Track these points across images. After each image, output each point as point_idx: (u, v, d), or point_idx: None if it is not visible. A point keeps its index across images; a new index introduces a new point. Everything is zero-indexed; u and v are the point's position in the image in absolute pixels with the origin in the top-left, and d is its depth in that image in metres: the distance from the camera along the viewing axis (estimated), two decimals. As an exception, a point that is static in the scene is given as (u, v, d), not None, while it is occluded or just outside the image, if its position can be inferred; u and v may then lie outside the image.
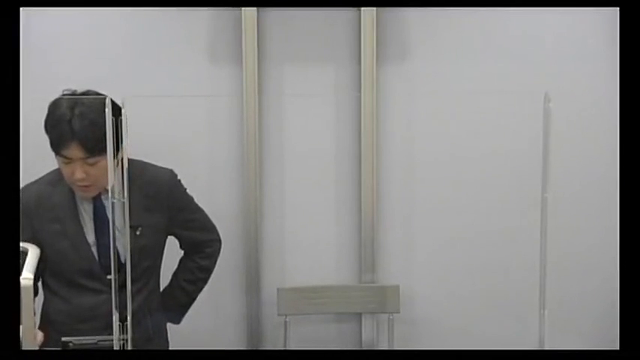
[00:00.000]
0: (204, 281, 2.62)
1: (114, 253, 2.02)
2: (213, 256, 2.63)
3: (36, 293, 2.30)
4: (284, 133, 3.07)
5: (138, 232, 2.32)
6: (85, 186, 2.27)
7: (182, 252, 2.61)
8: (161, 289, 2.56)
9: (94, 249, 2.34)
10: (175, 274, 2.59)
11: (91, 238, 2.34)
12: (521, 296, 2.75)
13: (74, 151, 2.20)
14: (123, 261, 2.22)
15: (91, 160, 2.21)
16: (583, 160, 3.09)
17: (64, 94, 2.28)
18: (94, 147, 2.17)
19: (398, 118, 3.08)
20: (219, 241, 2.64)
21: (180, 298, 2.58)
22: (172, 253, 2.57)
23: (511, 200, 3.07)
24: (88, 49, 2.94)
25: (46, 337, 2.15)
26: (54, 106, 2.25)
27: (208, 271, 2.62)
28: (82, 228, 2.34)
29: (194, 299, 2.62)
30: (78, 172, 2.23)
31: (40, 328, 2.28)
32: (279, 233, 3.11)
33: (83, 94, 2.28)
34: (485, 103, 3.02)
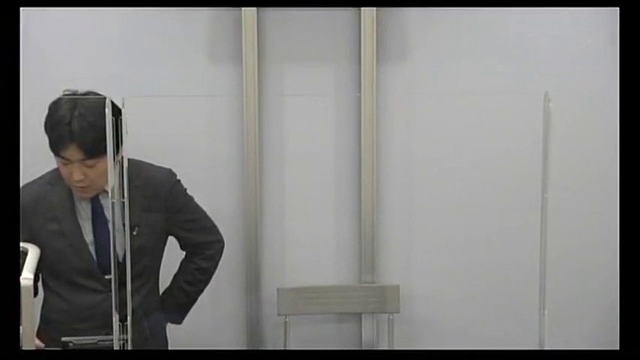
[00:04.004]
0: (205, 283, 2.61)
1: (114, 252, 2.03)
2: (214, 258, 2.61)
3: (36, 293, 2.31)
4: (284, 133, 3.06)
5: (135, 232, 2.31)
6: (83, 187, 2.27)
7: (183, 253, 2.61)
8: (161, 290, 2.56)
9: (91, 248, 2.34)
10: (176, 276, 2.59)
11: (88, 237, 2.34)
12: (521, 296, 2.75)
13: (73, 152, 2.20)
14: (120, 260, 2.22)
15: (89, 162, 2.21)
16: (583, 160, 3.09)
17: (64, 94, 2.28)
18: (93, 149, 2.18)
19: (398, 118, 3.08)
20: (221, 242, 2.63)
21: (180, 299, 2.58)
22: (175, 254, 2.57)
23: (511, 200, 3.07)
24: (88, 49, 2.94)
25: (45, 337, 2.15)
26: (54, 107, 2.25)
27: (208, 272, 2.61)
28: (79, 227, 2.34)
29: (195, 300, 2.61)
30: (76, 174, 2.23)
31: (39, 327, 2.30)
32: (279, 233, 3.10)
33: (84, 94, 2.28)
34: (486, 103, 3.02)
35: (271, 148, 3.06)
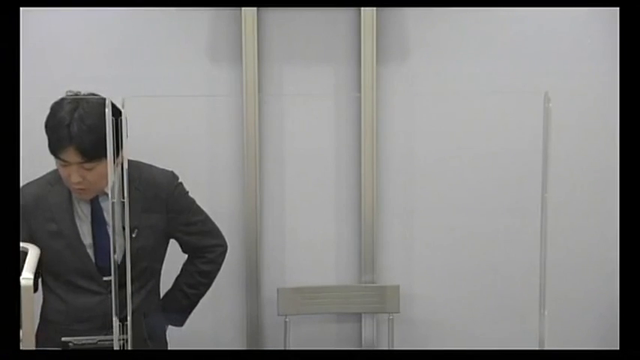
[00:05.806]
0: (206, 286, 2.60)
1: (114, 254, 2.02)
2: (216, 262, 2.60)
3: (35, 289, 2.30)
4: (284, 133, 3.06)
5: (134, 235, 2.29)
6: (82, 189, 2.27)
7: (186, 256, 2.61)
8: (162, 292, 2.56)
9: (89, 250, 2.34)
10: (177, 278, 2.58)
11: (87, 239, 2.34)
12: (521, 296, 2.75)
13: (71, 155, 2.19)
14: (118, 262, 2.21)
15: (87, 165, 2.20)
16: (583, 160, 3.09)
17: (67, 95, 2.28)
18: (92, 152, 2.17)
19: (398, 118, 3.08)
20: (223, 246, 2.61)
21: (181, 301, 2.57)
22: (178, 256, 2.57)
23: (511, 200, 3.07)
24: (88, 49, 2.94)
25: (44, 337, 2.15)
26: (55, 108, 2.24)
27: (210, 275, 2.60)
28: (77, 229, 2.33)
29: (196, 303, 2.61)
30: (74, 176, 2.22)
31: (38, 326, 2.30)
32: (279, 233, 3.11)
33: (87, 96, 2.27)
34: (486, 103, 3.02)
35: (271, 149, 3.06)
